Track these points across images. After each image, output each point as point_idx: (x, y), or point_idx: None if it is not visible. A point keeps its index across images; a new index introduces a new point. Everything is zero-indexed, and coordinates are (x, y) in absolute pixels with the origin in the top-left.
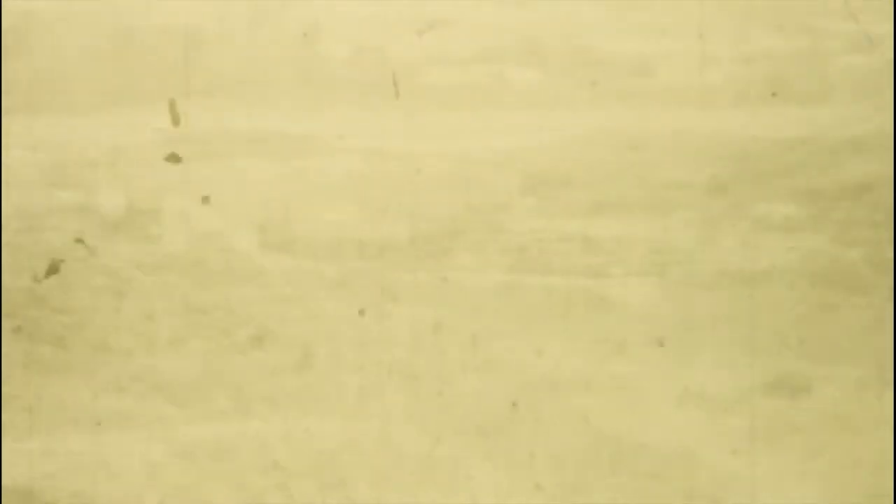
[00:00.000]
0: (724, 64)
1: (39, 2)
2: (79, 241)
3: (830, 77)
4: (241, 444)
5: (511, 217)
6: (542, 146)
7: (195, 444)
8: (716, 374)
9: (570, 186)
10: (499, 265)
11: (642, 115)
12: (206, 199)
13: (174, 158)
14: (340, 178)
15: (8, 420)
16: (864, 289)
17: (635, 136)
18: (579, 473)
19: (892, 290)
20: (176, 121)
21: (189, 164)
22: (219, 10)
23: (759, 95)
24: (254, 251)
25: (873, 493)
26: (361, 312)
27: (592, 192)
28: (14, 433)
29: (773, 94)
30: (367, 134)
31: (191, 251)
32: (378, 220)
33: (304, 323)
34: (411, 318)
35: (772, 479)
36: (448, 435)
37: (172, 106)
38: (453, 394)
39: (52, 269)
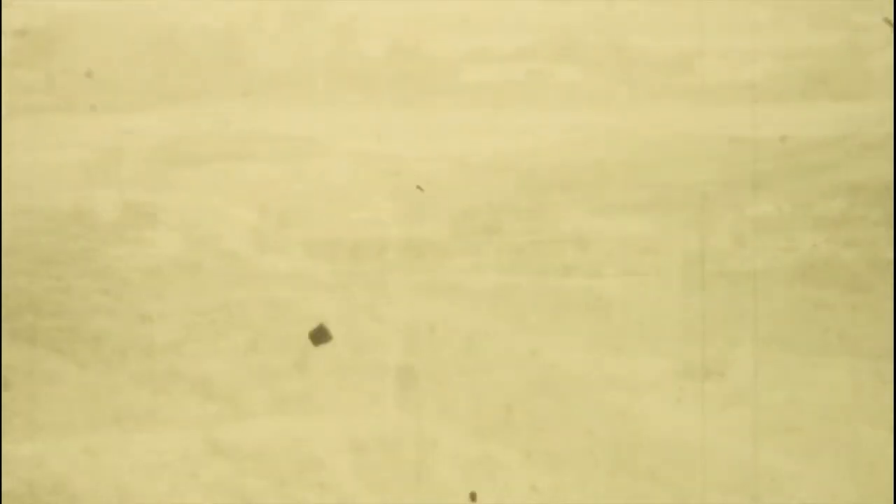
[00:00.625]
0: (763, 59)
1: (76, 2)
2: (76, 243)
3: (870, 74)
4: (237, 448)
5: (508, 218)
6: (546, 146)
7: (192, 447)
8: (714, 374)
9: (570, 187)
10: (495, 266)
11: (675, 112)
12: (203, 201)
13: (172, 159)
14: (377, 177)
15: (6, 425)
16: (862, 288)
17: (655, 134)
18: (576, 474)
19: (893, 290)
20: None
21: (187, 165)
22: (258, 9)
23: (797, 91)
24: (251, 253)
25: (873, 492)
26: (358, 314)
27: (592, 192)
28: (12, 436)
29: (812, 90)
30: (402, 131)
31: (188, 253)
32: (373, 222)
33: (301, 325)
34: (407, 320)
35: (771, 478)
36: (444, 436)
37: None
38: (449, 395)
39: (52, 272)
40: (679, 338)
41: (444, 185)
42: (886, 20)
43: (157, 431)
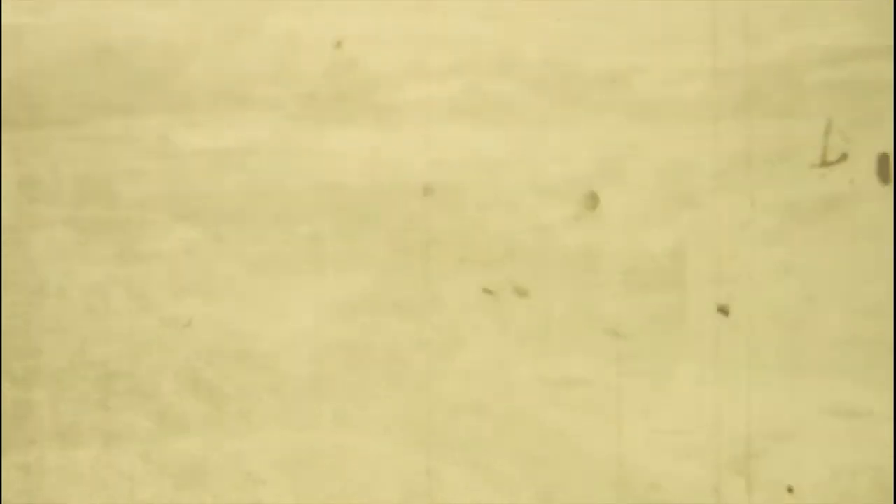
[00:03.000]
0: (699, 77)
1: (14, 16)
2: (57, 255)
3: (804, 90)
4: (221, 458)
5: (489, 227)
6: (519, 157)
7: (173, 458)
8: (702, 387)
9: (549, 196)
10: (479, 275)
11: (616, 128)
12: (185, 212)
13: (153, 171)
14: (316, 192)
15: None
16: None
17: (607, 148)
18: (563, 485)
19: (892, 297)
20: None
21: (170, 176)
22: (195, 23)
23: (732, 108)
24: (233, 266)
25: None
26: (344, 325)
27: (571, 201)
28: None
29: (747, 107)
30: (342, 146)
31: (172, 265)
32: (357, 233)
33: (286, 336)
34: (393, 330)
35: (765, 492)
36: (433, 446)
37: None
38: (437, 405)
39: (31, 284)
40: (669, 351)
41: (381, 202)
42: None
43: (138, 444)
